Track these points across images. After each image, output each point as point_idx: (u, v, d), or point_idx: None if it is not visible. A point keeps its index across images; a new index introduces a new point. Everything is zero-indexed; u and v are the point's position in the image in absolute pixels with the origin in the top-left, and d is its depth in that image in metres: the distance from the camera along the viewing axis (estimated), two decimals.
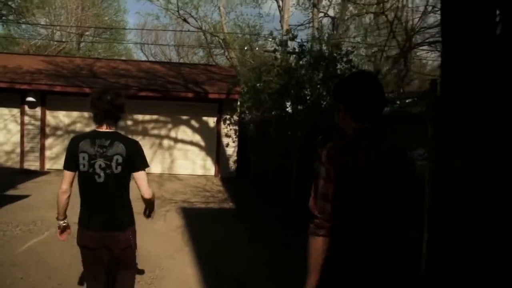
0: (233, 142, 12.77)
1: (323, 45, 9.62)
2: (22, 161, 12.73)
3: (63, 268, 4.79)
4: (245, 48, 21.24)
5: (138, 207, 3.11)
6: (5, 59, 14.69)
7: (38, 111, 12.68)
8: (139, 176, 2.89)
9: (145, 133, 13.10)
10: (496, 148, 3.13)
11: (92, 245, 2.90)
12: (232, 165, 13.14)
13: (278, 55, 10.86)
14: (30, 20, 26.42)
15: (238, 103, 12.67)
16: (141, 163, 2.90)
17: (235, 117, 12.68)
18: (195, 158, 13.32)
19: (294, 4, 22.71)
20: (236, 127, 12.74)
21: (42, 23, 27.77)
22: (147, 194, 2.93)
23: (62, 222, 3.04)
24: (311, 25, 21.34)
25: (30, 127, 12.70)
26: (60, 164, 11.20)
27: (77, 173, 2.87)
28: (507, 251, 3.01)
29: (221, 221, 7.46)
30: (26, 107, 12.59)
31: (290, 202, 7.79)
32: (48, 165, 12.88)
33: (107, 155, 2.78)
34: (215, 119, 13.28)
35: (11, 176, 11.16)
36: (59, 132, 12.97)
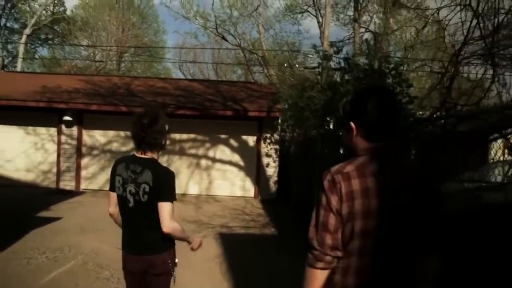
0: (274, 162, 12.06)
1: (369, 59, 9.08)
2: (58, 180, 12.48)
3: None
4: (285, 65, 20.71)
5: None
6: (45, 79, 14.71)
7: (74, 130, 12.46)
8: (162, 207, 2.69)
9: (182, 152, 12.63)
10: None
11: (132, 269, 2.84)
12: (272, 186, 12.45)
13: (321, 69, 10.30)
14: (72, 42, 27.01)
15: (279, 121, 12.07)
16: (166, 195, 2.70)
17: (276, 136, 12.02)
18: (233, 179, 12.71)
19: (333, 19, 22.25)
20: (277, 146, 12.06)
21: (84, 44, 28.32)
22: (166, 228, 2.68)
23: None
24: (351, 41, 20.74)
25: (66, 146, 12.49)
26: (95, 184, 10.96)
27: None
28: None
29: (263, 250, 6.76)
30: (63, 126, 12.40)
31: None
32: (83, 185, 12.58)
33: (137, 182, 2.71)
34: (255, 138, 12.67)
35: (46, 196, 10.87)
36: (95, 152, 12.69)
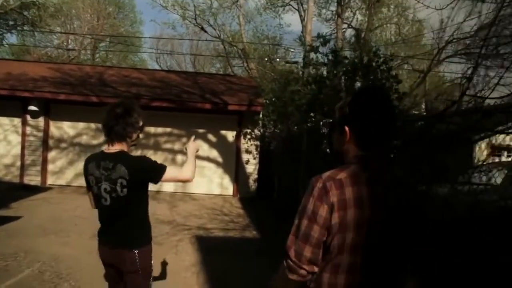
0: (254, 158, 11.55)
1: (358, 52, 8.74)
2: (22, 175, 11.57)
3: None
4: (265, 59, 20.11)
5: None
6: (11, 66, 13.70)
7: (40, 121, 11.57)
8: (167, 179, 2.72)
9: (157, 147, 11.89)
10: None
11: (106, 260, 2.83)
12: (252, 184, 11.85)
13: (307, 62, 9.78)
14: (43, 30, 25.76)
15: (261, 115, 11.49)
16: (158, 172, 2.66)
17: (257, 131, 11.47)
18: (211, 176, 12.02)
19: (315, 15, 21.78)
20: (258, 143, 11.50)
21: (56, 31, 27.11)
22: (188, 178, 2.77)
23: None
24: (333, 37, 20.30)
25: (31, 138, 11.59)
26: (63, 179, 10.14)
27: None
28: None
29: (244, 256, 6.13)
30: (28, 117, 11.50)
31: None
32: (50, 181, 11.73)
33: (112, 178, 2.63)
34: (234, 133, 12.00)
35: (8, 192, 9.99)
36: (63, 145, 11.83)
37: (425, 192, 4.09)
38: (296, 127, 9.42)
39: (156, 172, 2.67)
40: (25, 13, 26.08)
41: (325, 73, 8.46)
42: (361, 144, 1.61)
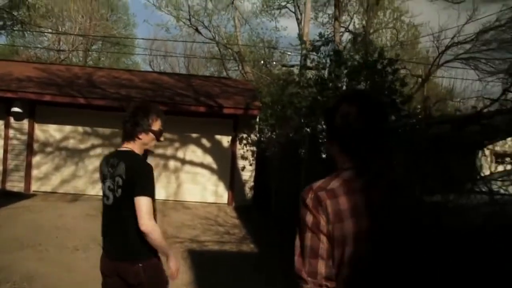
0: (250, 165, 11.08)
1: (363, 52, 8.41)
2: (4, 181, 10.93)
3: None
4: (261, 62, 19.66)
5: None
6: None
7: (25, 123, 10.98)
8: (137, 203, 2.44)
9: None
10: None
11: (106, 272, 2.63)
12: (248, 192, 11.31)
13: (308, 63, 9.34)
14: (33, 30, 25.20)
15: (258, 119, 10.98)
16: (140, 189, 2.46)
17: (253, 136, 10.97)
18: (205, 183, 11.46)
19: (312, 18, 21.42)
20: (254, 148, 11.00)
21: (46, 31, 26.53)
22: (143, 226, 2.42)
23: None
24: (331, 39, 19.93)
25: (15, 141, 10.98)
26: (48, 185, 9.52)
27: None
28: None
29: (241, 274, 5.58)
30: (11, 119, 10.89)
31: None
32: (34, 187, 11.10)
33: (114, 175, 2.56)
34: (229, 138, 11.46)
35: None
36: (48, 149, 11.22)
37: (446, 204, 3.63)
38: (295, 132, 8.95)
39: (143, 188, 2.48)
40: (15, 13, 25.53)
41: (326, 74, 8.08)
42: (351, 153, 1.53)
